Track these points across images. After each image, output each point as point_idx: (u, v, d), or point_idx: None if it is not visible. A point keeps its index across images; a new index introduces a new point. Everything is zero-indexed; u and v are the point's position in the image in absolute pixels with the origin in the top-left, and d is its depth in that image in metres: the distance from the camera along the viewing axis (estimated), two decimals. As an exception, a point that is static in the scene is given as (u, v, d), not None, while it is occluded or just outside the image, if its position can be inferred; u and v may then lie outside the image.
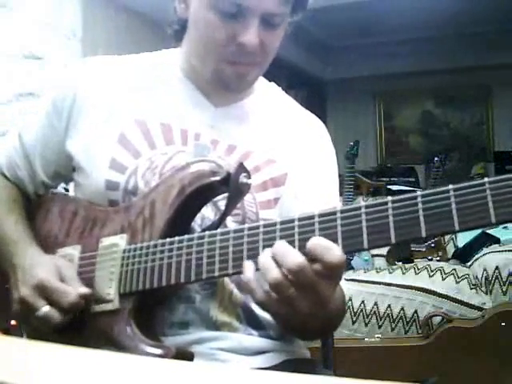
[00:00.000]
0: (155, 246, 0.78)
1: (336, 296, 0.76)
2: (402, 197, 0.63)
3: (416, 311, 2.29)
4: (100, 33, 3.21)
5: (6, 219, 0.94)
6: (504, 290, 2.27)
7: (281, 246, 0.68)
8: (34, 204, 0.99)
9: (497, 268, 2.31)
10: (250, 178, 0.79)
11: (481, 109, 5.66)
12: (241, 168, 0.78)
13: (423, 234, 0.60)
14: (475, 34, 4.88)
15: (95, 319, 0.81)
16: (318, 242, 0.66)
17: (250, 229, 0.71)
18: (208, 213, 0.87)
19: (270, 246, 0.69)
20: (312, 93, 4.86)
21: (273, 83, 1.05)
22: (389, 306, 2.34)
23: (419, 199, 0.61)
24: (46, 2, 2.78)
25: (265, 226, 0.71)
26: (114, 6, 3.35)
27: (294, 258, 0.66)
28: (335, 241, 0.66)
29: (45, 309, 0.79)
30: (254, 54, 0.87)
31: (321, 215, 0.67)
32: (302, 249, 0.67)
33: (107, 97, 0.94)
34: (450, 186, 0.60)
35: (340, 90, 5.83)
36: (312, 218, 0.68)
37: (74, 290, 0.80)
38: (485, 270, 2.34)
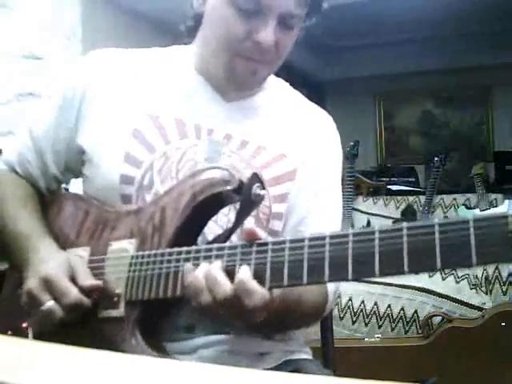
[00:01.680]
0: (163, 254, 0.77)
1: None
2: (417, 224, 0.60)
3: (416, 311, 2.29)
4: (100, 33, 3.20)
5: (20, 214, 0.94)
6: (504, 289, 2.27)
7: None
8: (46, 201, 0.99)
9: (497, 268, 2.31)
10: (263, 188, 0.77)
11: (481, 109, 5.65)
12: (254, 178, 0.77)
13: (438, 266, 0.58)
14: (475, 34, 4.88)
15: (101, 325, 0.80)
16: (242, 282, 0.68)
17: (258, 245, 0.70)
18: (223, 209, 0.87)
19: (278, 263, 0.68)
20: (312, 93, 4.85)
21: (281, 80, 1.06)
22: (389, 306, 2.34)
23: (436, 228, 0.58)
24: (45, 2, 2.78)
25: (273, 243, 0.69)
26: (113, 6, 3.35)
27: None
28: (345, 265, 0.63)
29: (49, 303, 0.79)
30: (268, 53, 0.88)
31: (332, 237, 0.65)
32: (311, 269, 0.65)
33: (119, 90, 0.94)
34: (470, 217, 0.57)
35: (340, 90, 5.82)
36: (323, 238, 0.66)
37: (84, 283, 0.80)
38: (485, 269, 2.34)
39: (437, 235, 0.58)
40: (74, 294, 0.79)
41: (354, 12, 4.30)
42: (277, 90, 1.03)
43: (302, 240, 0.67)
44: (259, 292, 0.68)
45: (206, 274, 0.70)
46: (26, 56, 2.67)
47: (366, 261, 0.62)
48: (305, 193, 0.96)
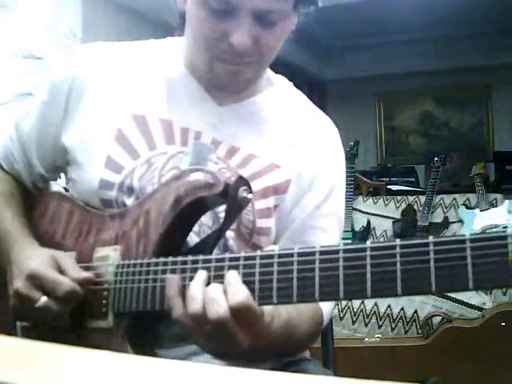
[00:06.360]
0: (148, 265, 0.74)
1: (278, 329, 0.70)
2: (411, 242, 0.56)
3: (416, 311, 2.29)
4: (100, 33, 3.20)
5: (3, 214, 0.91)
6: (504, 290, 2.27)
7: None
8: (32, 198, 0.97)
9: (497, 268, 2.30)
10: (250, 191, 0.74)
11: (481, 109, 5.65)
12: (240, 181, 0.73)
13: (433, 290, 0.54)
14: (475, 34, 4.88)
15: (91, 335, 0.78)
16: (229, 277, 0.65)
17: (246, 259, 0.66)
18: (206, 220, 0.84)
19: (267, 276, 0.64)
20: (312, 93, 4.86)
21: (283, 77, 1.00)
22: (389, 306, 2.34)
23: (431, 247, 0.54)
24: (45, 2, 2.78)
25: (261, 257, 0.65)
26: (114, 6, 3.35)
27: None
28: (336, 285, 0.59)
29: (43, 299, 0.76)
30: (246, 54, 0.82)
31: (322, 252, 0.61)
32: (301, 289, 0.62)
33: (106, 88, 0.91)
34: (467, 236, 0.53)
35: (340, 90, 5.82)
36: (313, 254, 0.62)
37: (74, 276, 0.77)
38: (485, 270, 2.34)
39: (431, 255, 0.54)
40: (66, 283, 0.76)
41: (354, 12, 4.31)
42: (277, 93, 0.97)
43: (291, 255, 0.63)
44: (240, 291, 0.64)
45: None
46: (25, 56, 2.67)
47: (357, 281, 0.58)
48: (302, 204, 0.91)
